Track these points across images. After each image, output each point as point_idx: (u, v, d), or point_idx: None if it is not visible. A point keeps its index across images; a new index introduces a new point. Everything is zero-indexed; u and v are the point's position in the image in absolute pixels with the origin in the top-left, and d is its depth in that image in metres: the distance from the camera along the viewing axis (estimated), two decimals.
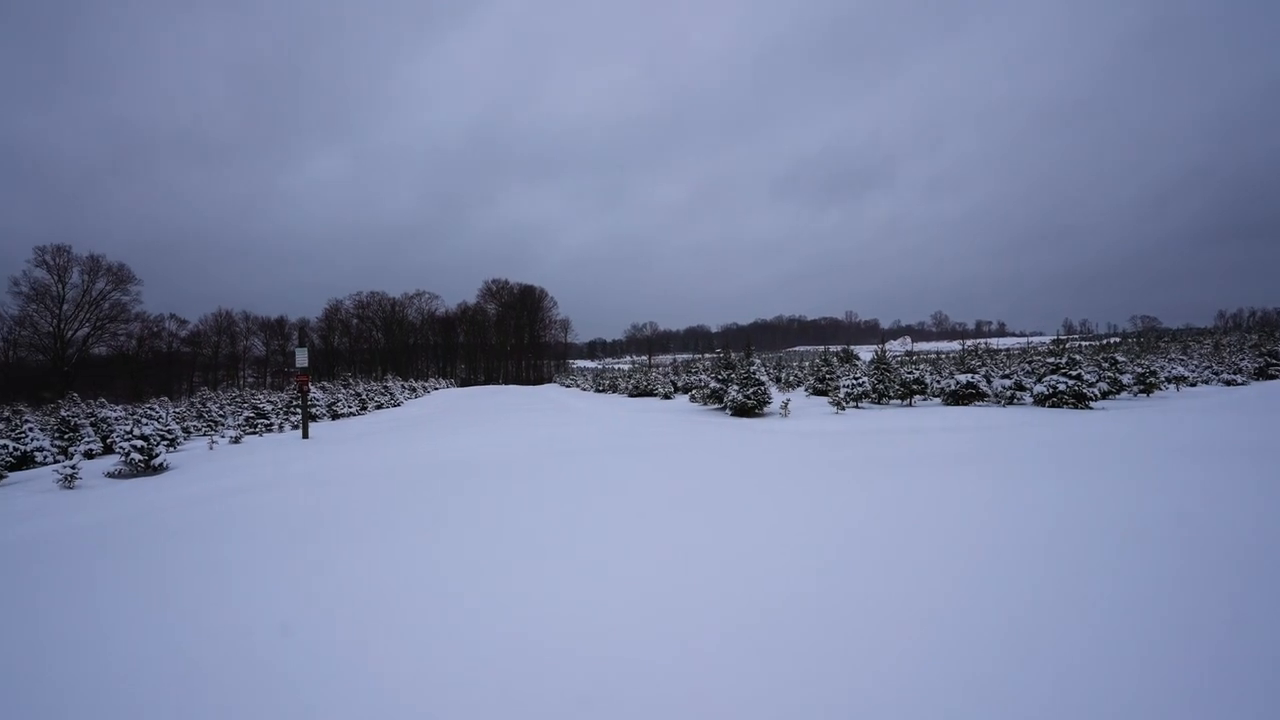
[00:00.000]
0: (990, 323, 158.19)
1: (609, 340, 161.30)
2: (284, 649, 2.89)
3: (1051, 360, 15.49)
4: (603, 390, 37.85)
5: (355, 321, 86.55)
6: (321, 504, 6.76)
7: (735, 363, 18.61)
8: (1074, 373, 14.60)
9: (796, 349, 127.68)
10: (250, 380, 74.88)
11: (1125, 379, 17.28)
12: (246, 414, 21.07)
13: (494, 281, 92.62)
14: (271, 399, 25.97)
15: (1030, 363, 19.57)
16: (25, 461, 14.85)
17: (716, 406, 18.91)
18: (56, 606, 3.88)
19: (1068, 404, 14.40)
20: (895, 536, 4.06)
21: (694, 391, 21.58)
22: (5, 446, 13.63)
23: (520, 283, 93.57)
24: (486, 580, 3.73)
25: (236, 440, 16.72)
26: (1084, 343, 46.24)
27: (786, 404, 15.78)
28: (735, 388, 16.60)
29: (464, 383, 77.87)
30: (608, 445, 10.37)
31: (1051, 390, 14.61)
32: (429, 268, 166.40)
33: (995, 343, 53.84)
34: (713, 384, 18.76)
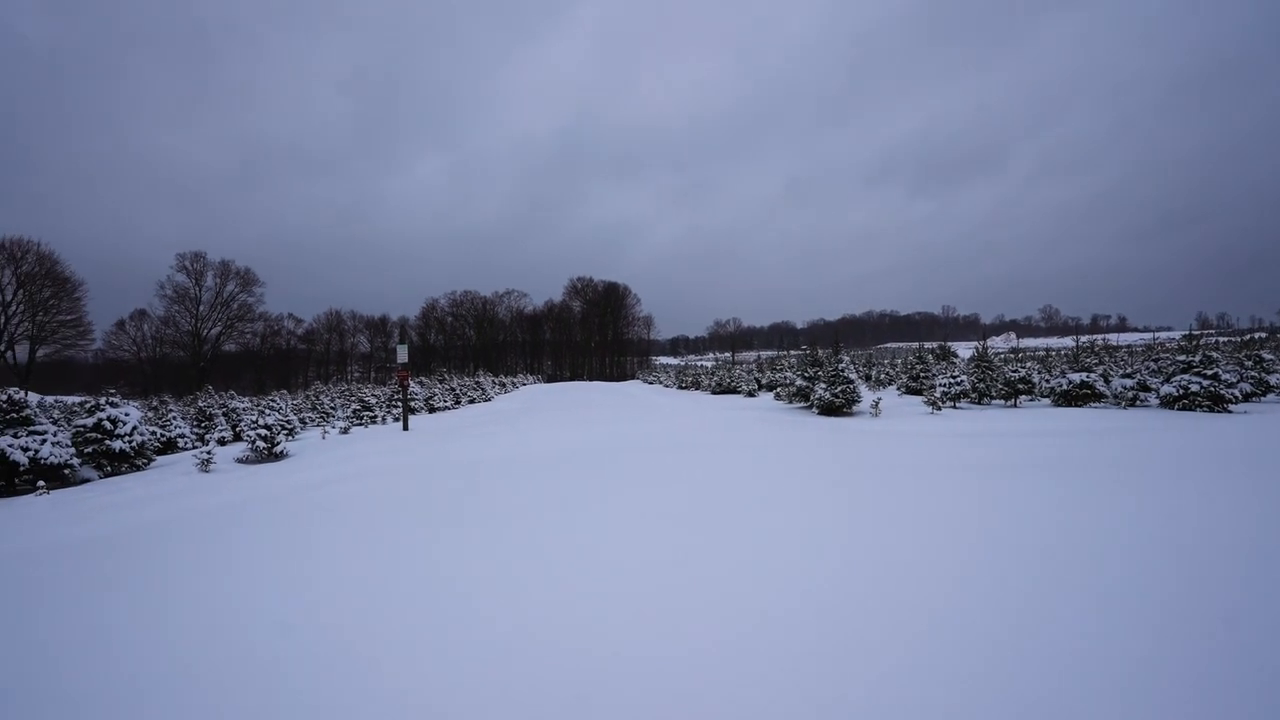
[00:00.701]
0: (1108, 317, 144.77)
1: (691, 337, 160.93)
2: (376, 611, 3.09)
3: (1183, 358, 13.98)
4: (685, 387, 37.81)
5: (449, 319, 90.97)
6: (418, 493, 7.14)
7: (823, 360, 18.06)
8: (1209, 371, 13.11)
9: (888, 345, 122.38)
10: (356, 375, 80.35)
11: (1273, 379, 15.35)
12: (354, 407, 22.63)
13: (579, 279, 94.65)
14: (375, 393, 27.74)
15: (1156, 360, 17.78)
16: (170, 446, 16.64)
17: (802, 405, 18.44)
18: (200, 572, 4.34)
19: (1201, 406, 12.96)
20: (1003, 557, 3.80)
21: (779, 389, 21.13)
22: (155, 433, 15.30)
23: (604, 280, 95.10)
24: (550, 570, 3.81)
25: (345, 431, 18.01)
26: (1221, 338, 41.46)
27: (877, 403, 15.15)
28: (822, 385, 16.12)
29: (550, 379, 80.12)
30: (690, 441, 10.34)
31: (1181, 391, 13.19)
32: (518, 267, 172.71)
33: (1115, 338, 49.27)
34: (799, 381, 18.30)
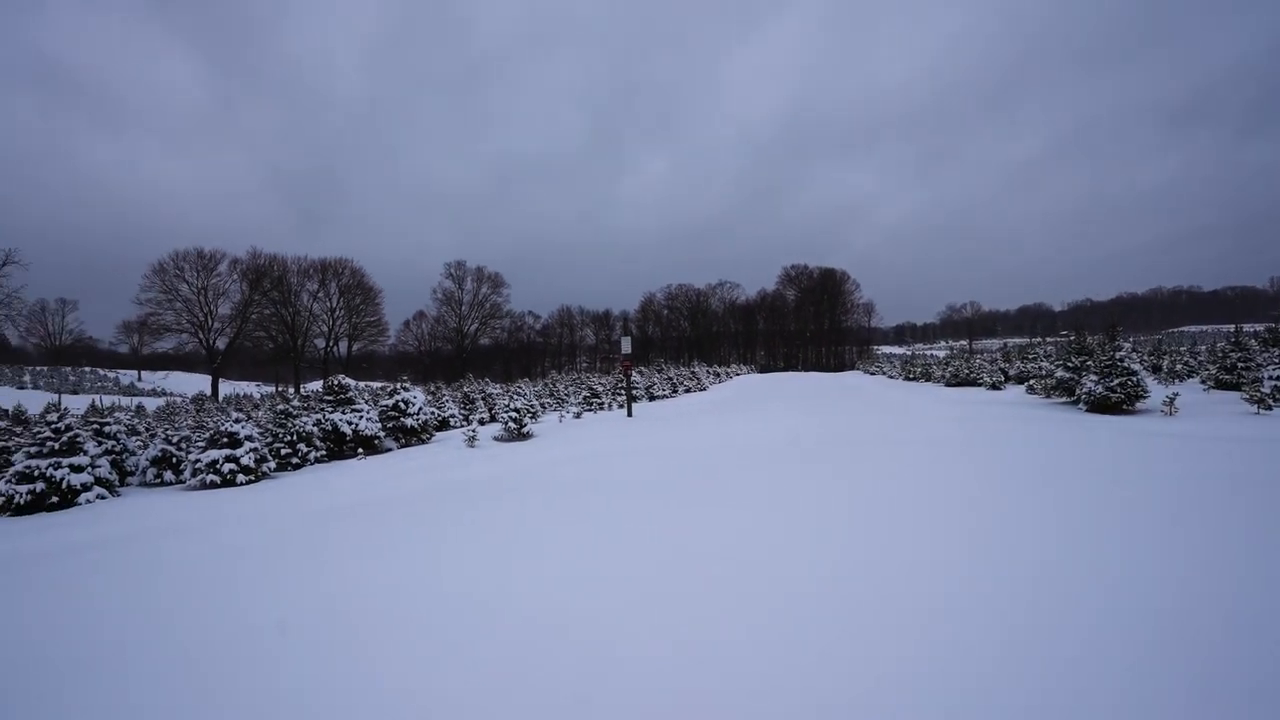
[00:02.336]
0: None
1: (919, 324, 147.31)
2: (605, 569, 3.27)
3: None
4: (913, 378, 34.70)
5: (665, 312, 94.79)
6: (649, 473, 7.51)
7: (1092, 347, 15.21)
8: None
9: (1184, 329, 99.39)
10: (584, 365, 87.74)
11: None
12: (584, 394, 24.73)
13: (793, 267, 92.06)
14: (602, 381, 30.01)
15: None
16: (444, 425, 19.79)
17: (1064, 400, 15.74)
18: (473, 529, 5.06)
19: None
20: None
21: (1032, 381, 18.29)
22: (434, 413, 18.29)
23: (820, 266, 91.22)
24: (751, 554, 3.67)
25: (578, 416, 19.75)
26: None
27: (1172, 400, 12.31)
28: (1092, 377, 13.57)
29: (763, 369, 79.30)
30: (925, 437, 9.41)
31: None
32: (731, 258, 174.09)
33: None
34: (1059, 373, 15.63)
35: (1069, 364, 15.53)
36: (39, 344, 64.25)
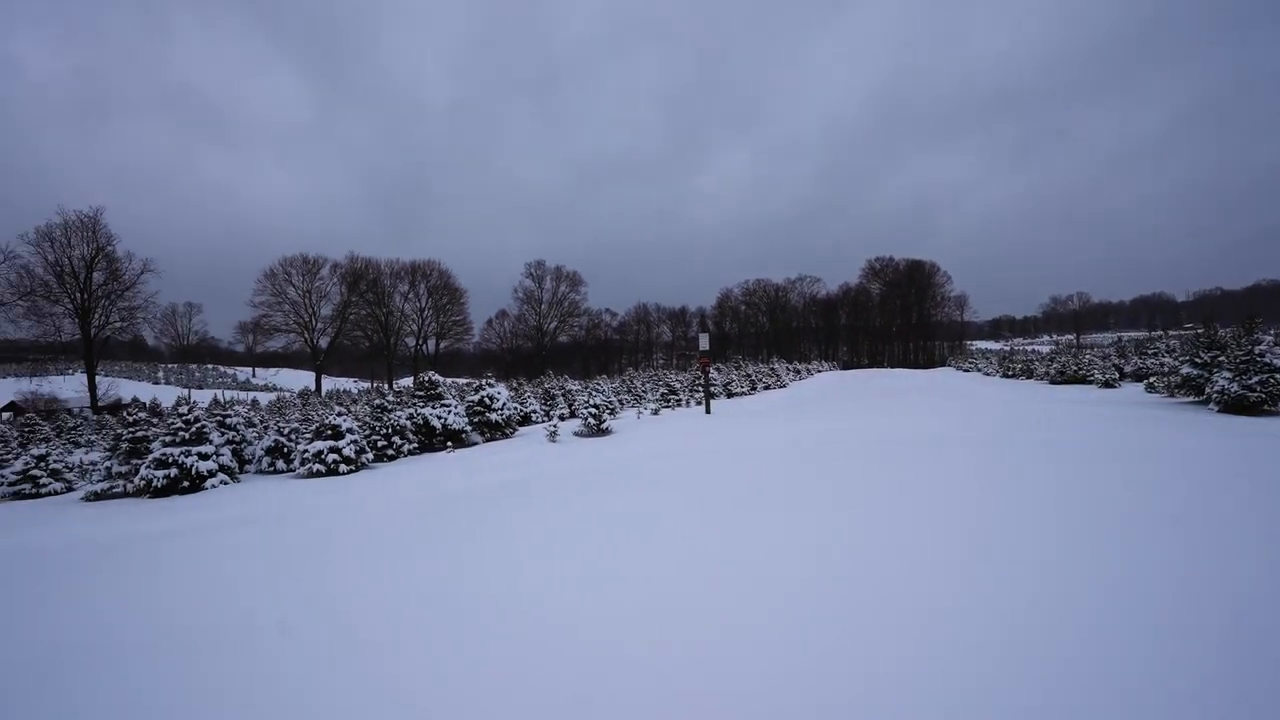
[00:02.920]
0: None
1: (1018, 317, 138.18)
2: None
3: None
4: (1012, 375, 32.59)
5: (743, 308, 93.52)
6: (725, 472, 7.40)
7: (1225, 340, 13.72)
8: None
9: None
10: (660, 362, 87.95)
11: None
12: (661, 390, 24.78)
13: (877, 259, 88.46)
14: (679, 378, 29.98)
15: None
16: (526, 420, 20.37)
17: (1191, 399, 14.29)
18: (551, 521, 5.16)
19: None
20: None
21: (1152, 379, 16.71)
22: (516, 409, 18.86)
23: (907, 258, 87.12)
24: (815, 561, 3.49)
25: (656, 413, 19.81)
26: None
27: None
28: (1226, 374, 12.24)
29: (846, 365, 76.78)
30: (1023, 440, 8.76)
31: None
32: (811, 252, 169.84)
33: None
34: (1185, 369, 14.19)
35: (1197, 359, 14.09)
36: (170, 344, 70.97)
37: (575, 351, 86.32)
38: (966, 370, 43.87)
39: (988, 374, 36.91)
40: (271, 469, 13.10)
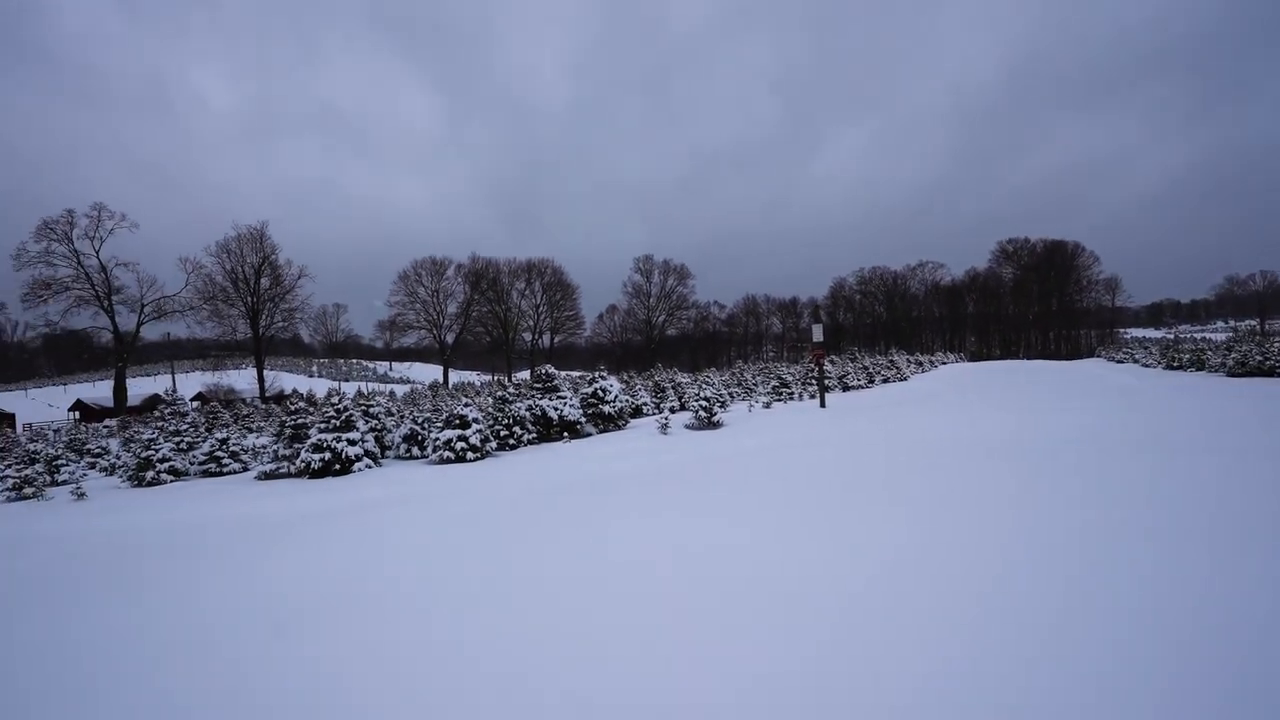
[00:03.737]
0: None
1: (1183, 301, 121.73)
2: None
3: None
4: (1178, 365, 28.76)
5: (858, 297, 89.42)
6: (841, 467, 7.12)
7: None
8: None
9: None
10: (770, 354, 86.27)
11: None
12: (773, 383, 24.28)
13: (1009, 241, 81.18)
14: (790, 371, 29.21)
15: None
16: (637, 412, 20.71)
17: None
18: (676, 509, 5.21)
19: None
20: None
21: None
22: (628, 401, 19.22)
23: (1045, 239, 79.21)
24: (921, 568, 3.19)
25: (767, 406, 19.45)
26: None
27: None
28: None
29: (974, 357, 71.30)
30: (1232, 444, 7.69)
31: None
32: (934, 236, 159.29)
33: None
34: None
35: None
36: (321, 340, 79.07)
37: (683, 344, 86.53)
38: (1120, 361, 39.22)
39: (1146, 365, 32.79)
40: (408, 455, 14.25)
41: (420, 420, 14.79)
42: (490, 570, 4.39)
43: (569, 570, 4.20)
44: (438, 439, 13.08)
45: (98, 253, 45.52)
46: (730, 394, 24.93)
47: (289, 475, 12.72)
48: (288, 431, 13.68)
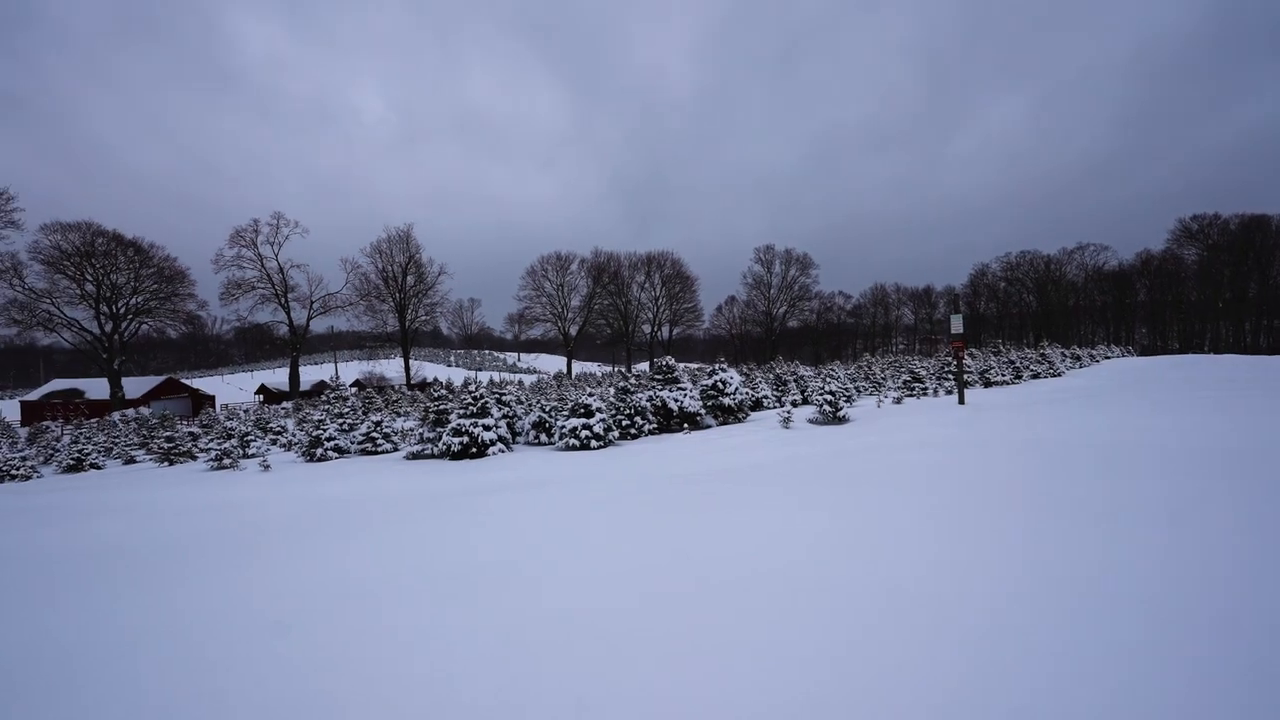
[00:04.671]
0: None
1: None
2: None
3: None
4: None
5: (1002, 285, 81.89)
6: (973, 468, 6.53)
7: None
8: None
9: None
10: (901, 347, 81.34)
11: None
12: (904, 378, 22.85)
13: (1195, 218, 70.43)
14: (924, 364, 27.34)
15: None
16: (757, 405, 20.36)
17: None
18: (798, 503, 5.06)
19: None
20: None
21: None
22: (748, 393, 18.94)
23: (1241, 214, 67.88)
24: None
25: (898, 401, 18.35)
26: None
27: None
28: None
29: (1145, 351, 62.89)
30: None
31: None
32: (1096, 216, 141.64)
33: None
34: None
35: None
36: (458, 333, 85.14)
37: (805, 336, 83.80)
38: None
39: None
40: (536, 441, 14.99)
41: (548, 409, 15.49)
42: (616, 550, 4.50)
43: (696, 553, 4.20)
44: (564, 427, 13.63)
45: (277, 256, 52.26)
46: (857, 388, 23.82)
47: (432, 456, 13.82)
48: (431, 416, 14.87)
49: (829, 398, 14.76)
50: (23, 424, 44.51)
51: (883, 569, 3.72)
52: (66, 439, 22.98)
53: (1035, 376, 27.32)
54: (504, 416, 15.46)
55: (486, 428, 13.55)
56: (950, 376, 23.13)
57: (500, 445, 13.60)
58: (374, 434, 15.89)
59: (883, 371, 28.33)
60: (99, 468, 18.34)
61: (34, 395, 53.82)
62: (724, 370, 17.38)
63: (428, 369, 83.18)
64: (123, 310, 48.90)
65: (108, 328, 48.08)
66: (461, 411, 13.94)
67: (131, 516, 8.09)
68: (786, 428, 13.63)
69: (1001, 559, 3.75)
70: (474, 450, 13.18)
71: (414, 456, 14.00)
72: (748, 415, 17.37)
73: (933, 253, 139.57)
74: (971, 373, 24.08)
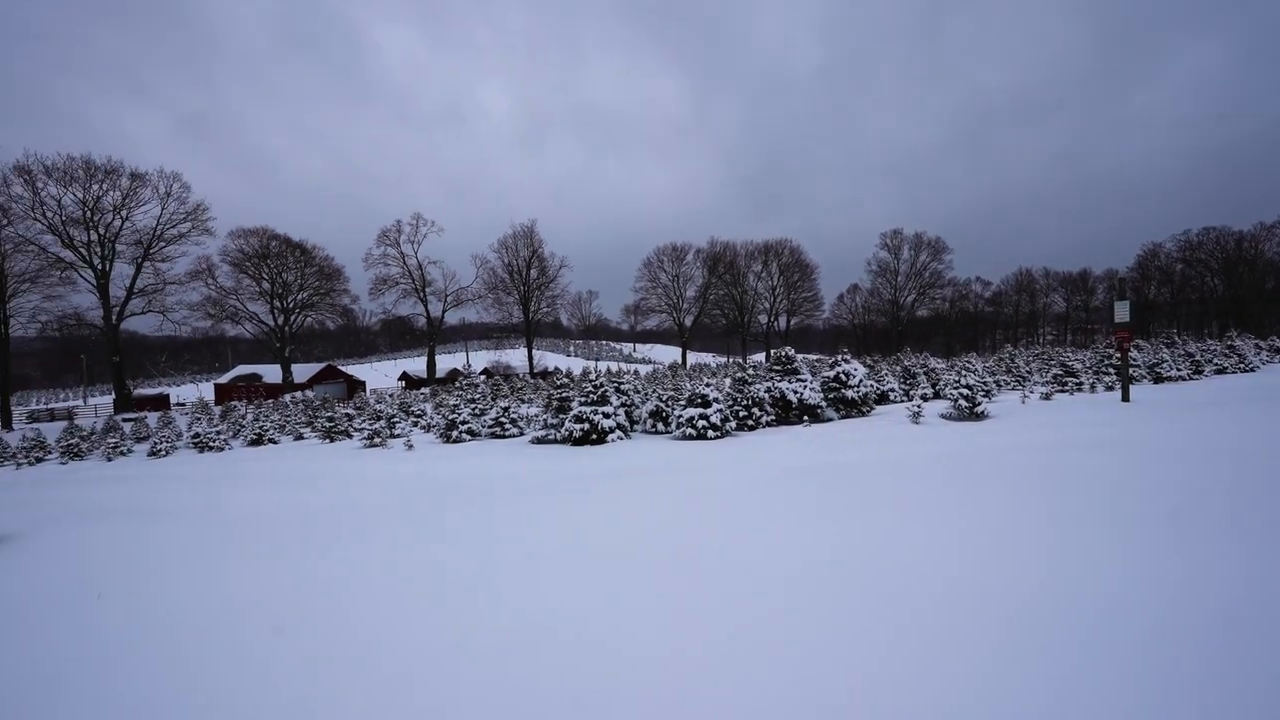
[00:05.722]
0: None
1: None
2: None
3: None
4: None
5: (1179, 267, 71.67)
6: (1127, 474, 5.72)
7: None
8: None
9: None
10: (1049, 338, 73.82)
11: None
12: (1054, 371, 20.68)
13: None
14: (1077, 357, 24.58)
15: None
16: (883, 399, 19.32)
17: None
18: (936, 504, 4.73)
19: None
20: None
21: None
22: (873, 386, 18.02)
23: None
24: None
25: (1046, 397, 16.67)
26: None
27: None
28: None
29: None
30: None
31: None
32: None
33: None
34: None
35: None
36: (577, 324, 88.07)
37: (936, 326, 78.30)
38: None
39: None
40: (653, 429, 15.19)
41: (665, 398, 15.63)
42: (730, 541, 4.45)
43: (812, 556, 4.06)
44: (681, 416, 13.70)
45: (416, 253, 56.93)
46: (996, 382, 21.92)
47: (554, 441, 14.43)
48: (554, 403, 15.51)
49: (965, 391, 13.68)
50: (216, 403, 51.91)
51: (1095, 590, 3.39)
52: (249, 417, 26.53)
53: (1220, 371, 23.74)
54: (622, 405, 15.80)
55: (606, 415, 13.92)
56: (1111, 370, 20.69)
57: (619, 433, 13.93)
58: (502, 419, 16.85)
59: (1028, 364, 25.86)
60: (275, 442, 20.95)
61: (224, 379, 62.56)
62: (847, 361, 16.64)
63: (549, 358, 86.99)
64: (291, 304, 55.46)
65: (279, 320, 54.78)
66: (582, 399, 14.41)
67: (327, 484, 9.26)
68: (916, 423, 12.82)
69: (1230, 581, 3.28)
70: (594, 437, 13.60)
71: (538, 441, 14.68)
72: (872, 409, 16.52)
73: (1089, 233, 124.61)
74: (1138, 366, 21.36)
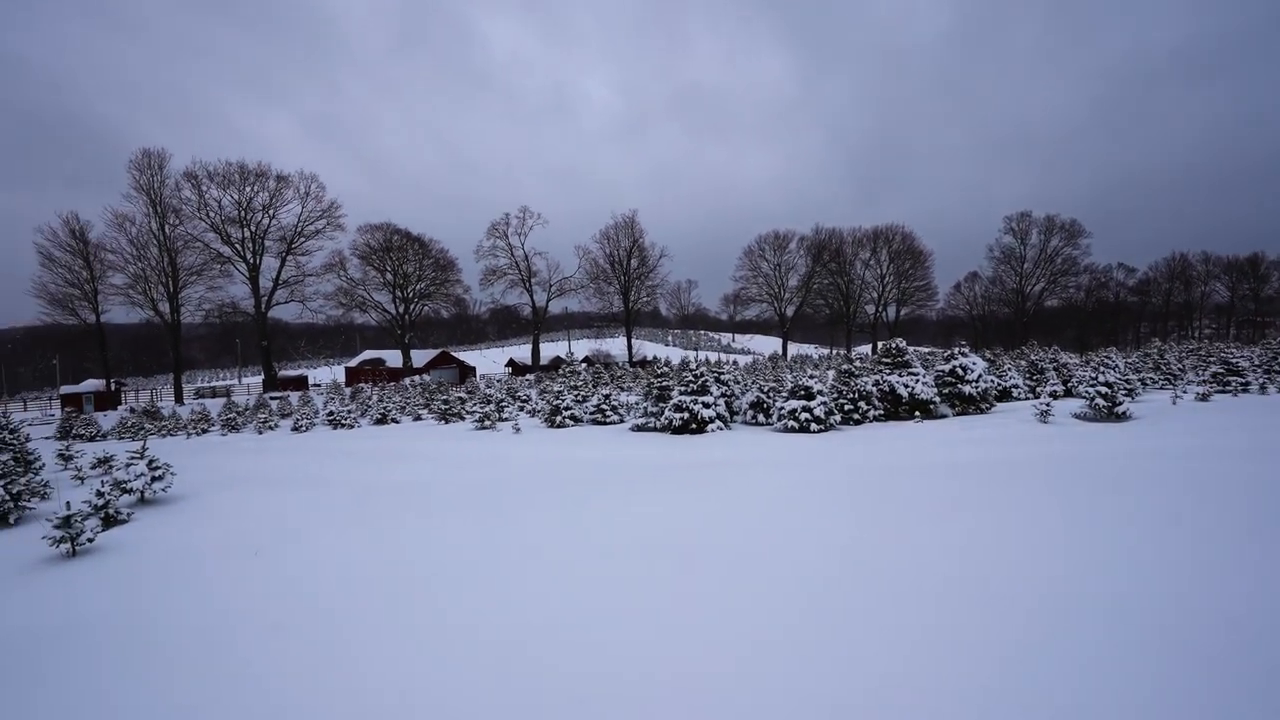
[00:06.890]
0: None
1: None
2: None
3: None
4: None
5: None
6: None
7: None
8: None
9: None
10: (1207, 331, 65.40)
11: None
12: (1213, 369, 18.28)
13: None
14: (1243, 353, 21.58)
15: None
16: (1005, 395, 17.92)
17: None
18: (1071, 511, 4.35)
19: None
20: None
21: None
22: (994, 381, 16.76)
23: None
24: None
25: (1203, 398, 14.79)
26: None
27: None
28: None
29: None
30: None
31: None
32: None
33: None
34: None
35: None
36: (675, 313, 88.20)
37: (1068, 317, 71.46)
38: None
39: None
40: (753, 421, 14.99)
41: (766, 389, 15.37)
42: (830, 544, 4.32)
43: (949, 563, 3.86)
44: (783, 408, 13.42)
45: (523, 245, 59.24)
46: (1141, 380, 19.73)
47: (654, 429, 14.60)
48: (654, 392, 15.68)
49: (1103, 389, 12.42)
50: (346, 384, 56.87)
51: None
52: (375, 398, 28.86)
53: None
54: (722, 395, 15.70)
55: (706, 405, 13.89)
56: None
57: (719, 423, 13.86)
58: (604, 406, 17.26)
59: (1180, 360, 23.05)
60: (397, 422, 22.68)
61: (353, 362, 68.35)
62: (964, 355, 15.59)
63: (648, 348, 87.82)
64: (411, 294, 59.62)
65: (400, 309, 59.08)
66: (682, 389, 14.47)
67: (466, 462, 9.95)
68: (1044, 422, 11.82)
69: None
70: (694, 426, 13.62)
71: (638, 429, 14.91)
72: (993, 406, 15.38)
73: (1262, 213, 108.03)
74: None
